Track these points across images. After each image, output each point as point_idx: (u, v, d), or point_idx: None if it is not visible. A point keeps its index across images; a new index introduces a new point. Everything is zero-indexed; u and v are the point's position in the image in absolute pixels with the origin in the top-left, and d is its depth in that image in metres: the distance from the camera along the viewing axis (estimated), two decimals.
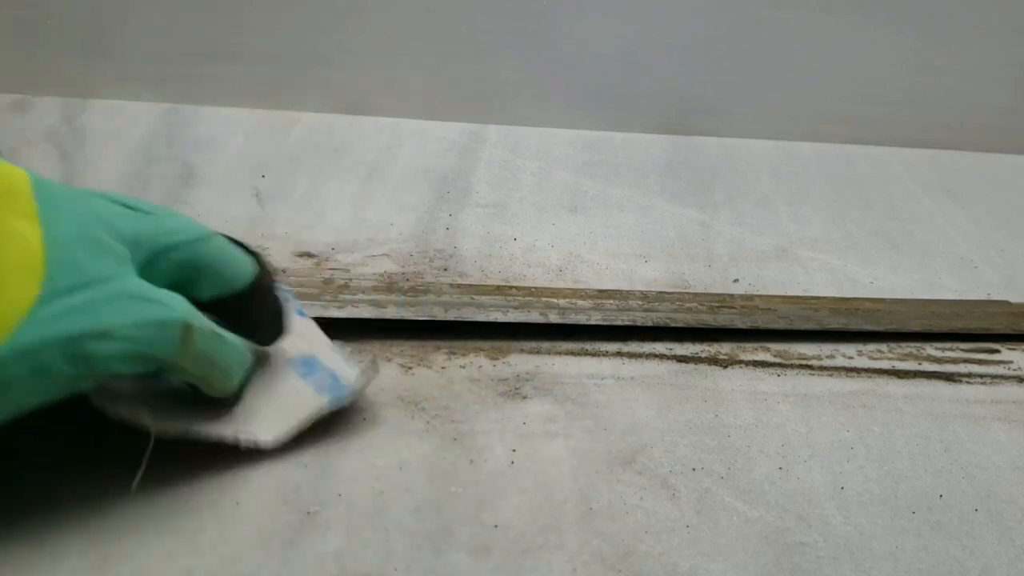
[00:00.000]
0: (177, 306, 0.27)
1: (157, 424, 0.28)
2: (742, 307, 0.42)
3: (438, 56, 0.59)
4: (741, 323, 0.41)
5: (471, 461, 0.32)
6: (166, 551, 0.28)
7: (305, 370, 0.33)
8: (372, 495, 0.30)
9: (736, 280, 0.46)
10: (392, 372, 0.36)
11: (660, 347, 0.40)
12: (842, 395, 0.38)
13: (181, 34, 0.56)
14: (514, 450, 0.33)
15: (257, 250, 0.32)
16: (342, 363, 0.34)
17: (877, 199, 0.56)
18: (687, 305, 0.42)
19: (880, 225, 0.53)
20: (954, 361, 0.41)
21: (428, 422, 0.34)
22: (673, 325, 0.40)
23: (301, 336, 0.34)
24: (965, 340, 0.42)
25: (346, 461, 0.32)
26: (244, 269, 0.30)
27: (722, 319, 0.41)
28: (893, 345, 0.41)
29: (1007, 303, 0.45)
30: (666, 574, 0.29)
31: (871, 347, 0.41)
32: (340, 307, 0.38)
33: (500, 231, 0.48)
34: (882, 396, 0.38)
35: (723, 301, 0.43)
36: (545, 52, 0.60)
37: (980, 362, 0.41)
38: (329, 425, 0.33)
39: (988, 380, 0.40)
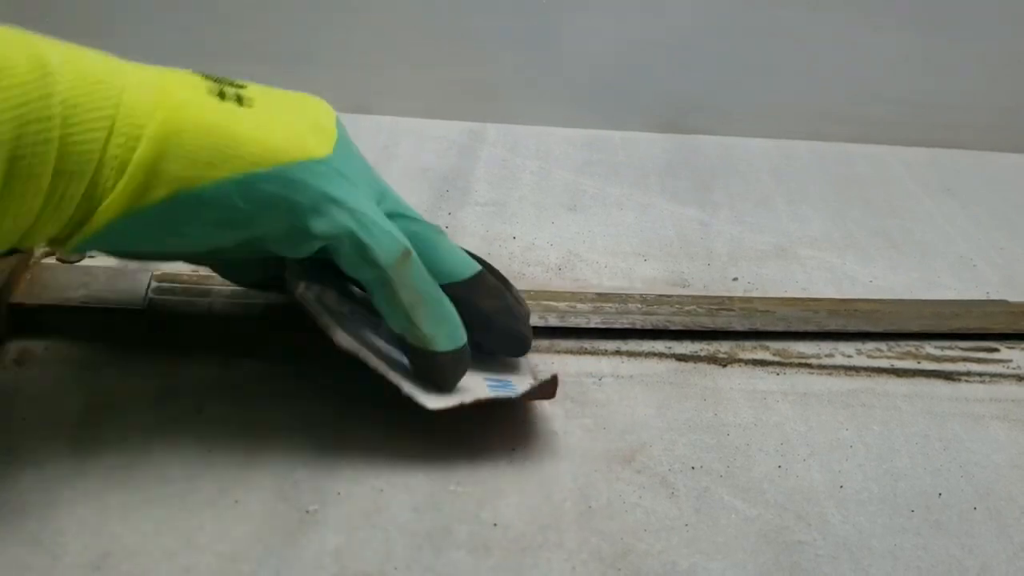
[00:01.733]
0: (403, 235, 0.30)
1: (339, 335, 0.30)
2: (741, 309, 0.42)
3: (437, 55, 0.59)
4: (740, 325, 0.41)
5: (470, 460, 0.32)
6: (165, 550, 0.28)
7: (496, 384, 0.33)
8: (372, 494, 0.30)
9: (735, 279, 0.46)
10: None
11: (659, 346, 0.40)
12: (841, 394, 0.38)
13: (179, 33, 0.56)
14: (513, 449, 0.33)
15: (515, 290, 0.35)
16: (528, 381, 0.34)
17: (877, 198, 0.56)
18: (686, 308, 0.42)
19: (880, 224, 0.53)
20: (953, 360, 0.41)
21: (428, 420, 0.34)
22: (672, 328, 0.40)
23: (516, 369, 0.35)
24: (964, 339, 0.42)
25: (345, 459, 0.32)
26: (465, 267, 0.32)
27: (721, 322, 0.41)
28: (892, 344, 0.41)
29: (1006, 302, 0.45)
30: (665, 572, 0.29)
31: (870, 346, 0.41)
32: None
33: (499, 230, 0.48)
34: (881, 395, 0.38)
35: (722, 304, 0.43)
36: (544, 50, 0.60)
37: (979, 361, 0.41)
38: (328, 424, 0.33)
39: (987, 379, 0.40)
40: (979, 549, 0.31)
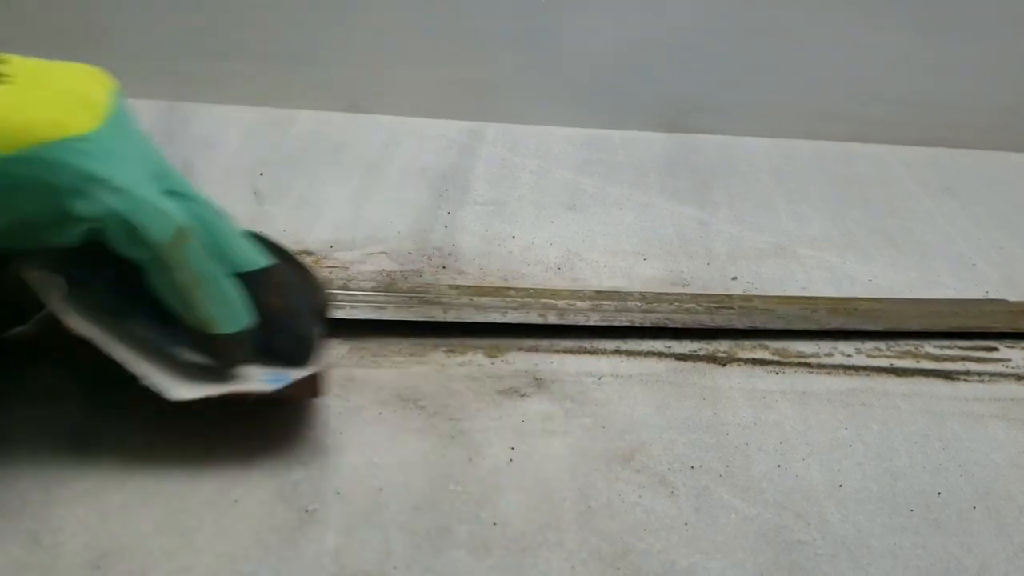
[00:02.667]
0: (180, 213, 0.28)
1: (72, 318, 0.28)
2: (741, 308, 0.42)
3: (437, 54, 0.59)
4: (739, 323, 0.41)
5: (470, 459, 0.32)
6: (164, 549, 0.28)
7: (274, 378, 0.32)
8: (371, 493, 0.30)
9: (735, 278, 0.46)
10: (391, 370, 0.36)
11: (659, 345, 0.40)
12: (840, 393, 0.38)
13: (180, 32, 0.56)
14: (513, 448, 0.33)
15: (315, 278, 0.34)
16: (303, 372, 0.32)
17: (876, 197, 0.56)
18: (685, 306, 0.42)
19: (879, 223, 0.53)
20: (952, 359, 0.41)
21: (427, 420, 0.34)
22: (671, 326, 0.40)
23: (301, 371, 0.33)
24: (963, 338, 0.42)
25: (345, 459, 0.32)
26: (247, 259, 0.31)
27: (721, 320, 0.41)
28: (891, 343, 0.41)
29: (1005, 302, 0.45)
30: (665, 572, 0.29)
31: (870, 345, 0.41)
32: (338, 307, 0.38)
33: (499, 229, 0.48)
34: (880, 394, 0.38)
35: (721, 302, 0.43)
36: (544, 50, 0.60)
37: (978, 360, 0.41)
38: (327, 423, 0.33)
39: (986, 378, 0.40)
40: (978, 548, 0.31)
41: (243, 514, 0.29)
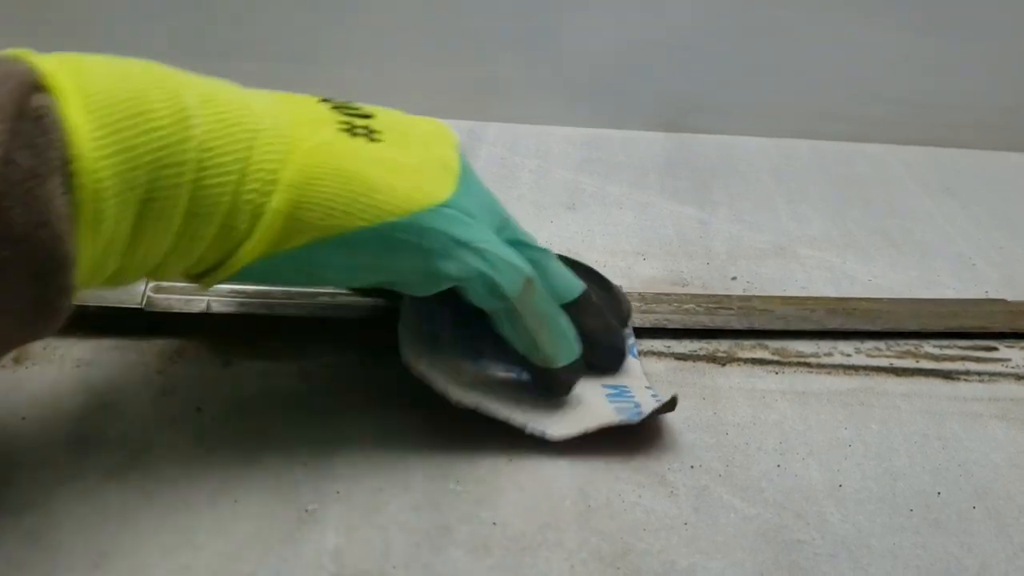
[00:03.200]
0: (525, 262, 0.31)
1: (453, 390, 0.32)
2: (740, 308, 0.42)
3: (436, 53, 0.59)
4: (739, 324, 0.41)
5: (470, 458, 0.32)
6: (164, 548, 0.28)
7: (614, 392, 0.34)
8: (370, 492, 0.30)
9: (734, 278, 0.46)
10: (390, 370, 0.36)
11: (658, 344, 0.40)
12: (840, 393, 0.38)
13: (178, 31, 0.56)
14: (512, 447, 0.33)
15: (616, 288, 0.37)
16: (648, 397, 0.34)
17: (876, 197, 0.56)
18: (685, 306, 0.42)
19: (879, 223, 0.53)
20: (952, 359, 0.41)
21: (427, 419, 0.34)
22: (670, 326, 0.40)
23: (626, 373, 0.36)
24: (963, 338, 0.42)
25: (344, 458, 0.32)
26: (572, 288, 0.34)
27: (720, 320, 0.41)
28: (891, 343, 0.41)
29: (1005, 301, 0.45)
30: (664, 572, 0.29)
31: (869, 345, 0.41)
32: (337, 308, 0.38)
33: None
34: (880, 394, 0.38)
35: (721, 302, 0.43)
36: (544, 49, 0.60)
37: (978, 360, 0.41)
38: (328, 423, 0.33)
39: (986, 378, 0.40)
40: (978, 548, 0.31)
41: (243, 514, 0.29)
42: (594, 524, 0.30)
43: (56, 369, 0.34)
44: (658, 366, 0.38)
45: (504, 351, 0.33)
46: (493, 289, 0.30)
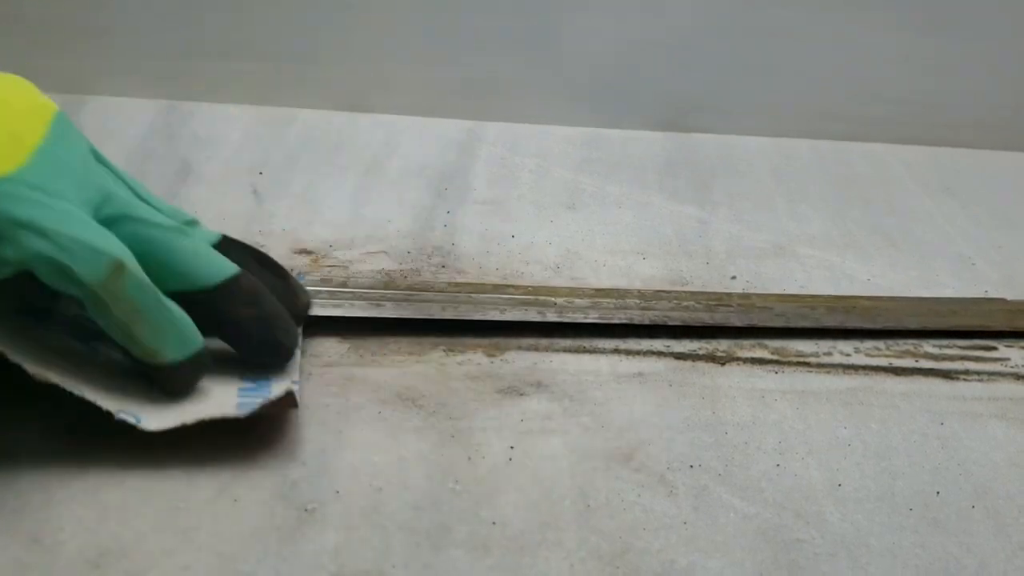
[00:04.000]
0: (117, 245, 0.28)
1: (33, 365, 0.28)
2: (739, 305, 0.42)
3: (436, 53, 0.59)
4: (738, 321, 0.41)
5: (469, 458, 0.32)
6: (163, 548, 0.28)
7: (251, 387, 0.32)
8: (370, 492, 0.31)
9: (734, 277, 0.46)
10: (390, 369, 0.36)
11: (658, 344, 0.40)
12: (839, 392, 0.38)
13: (179, 31, 0.56)
14: (512, 447, 0.33)
15: (293, 279, 0.34)
16: (280, 390, 0.31)
17: (876, 197, 0.56)
18: (684, 304, 0.42)
19: (878, 222, 0.53)
20: (951, 358, 0.41)
21: (426, 419, 0.34)
22: (670, 323, 0.40)
23: (287, 369, 0.33)
24: (962, 337, 0.42)
25: (344, 458, 0.32)
26: (209, 273, 0.31)
27: (719, 317, 0.41)
28: (890, 342, 0.41)
29: (1004, 301, 0.45)
30: (664, 571, 0.29)
31: (868, 344, 0.41)
32: (337, 305, 0.38)
33: (498, 228, 0.48)
34: (879, 393, 0.38)
35: (720, 299, 0.43)
36: (543, 49, 0.60)
37: (977, 359, 0.41)
38: (327, 422, 0.33)
39: (985, 377, 0.40)
40: (977, 547, 0.31)
41: (242, 513, 0.29)
42: (593, 523, 0.30)
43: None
44: (658, 365, 0.38)
45: None
46: (63, 274, 0.27)
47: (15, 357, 0.28)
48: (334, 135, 0.55)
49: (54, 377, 0.28)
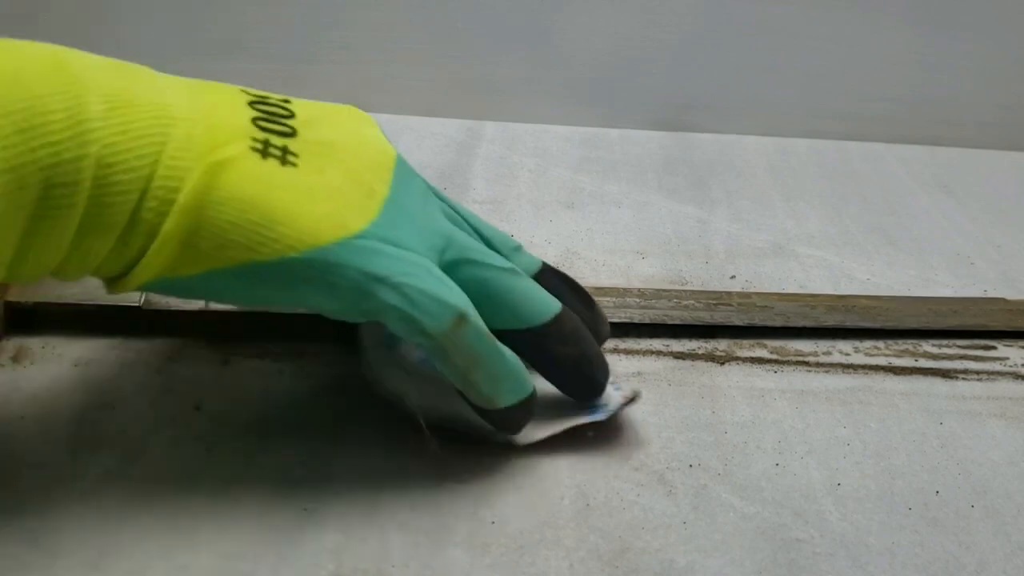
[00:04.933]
0: (460, 296, 0.28)
1: (420, 405, 0.31)
2: (739, 304, 0.42)
3: (435, 52, 0.59)
4: (738, 320, 0.41)
5: (468, 457, 0.32)
6: (163, 548, 0.28)
7: (592, 410, 0.33)
8: (370, 491, 0.31)
9: (733, 276, 0.46)
10: None
11: (657, 343, 0.40)
12: (839, 391, 0.38)
13: (178, 30, 0.56)
14: (511, 446, 0.33)
15: (597, 306, 0.35)
16: (613, 391, 0.33)
17: (874, 195, 0.56)
18: (683, 303, 0.42)
19: (877, 221, 0.53)
20: (950, 358, 0.41)
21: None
22: (670, 322, 0.40)
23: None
24: (962, 337, 0.42)
25: (343, 458, 0.32)
26: (538, 312, 0.31)
27: (719, 316, 0.41)
28: (890, 342, 0.42)
29: (1004, 300, 0.45)
30: (663, 570, 0.29)
31: (868, 344, 0.41)
32: None
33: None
34: (879, 392, 0.38)
35: (720, 299, 0.43)
36: (542, 48, 0.60)
37: (976, 359, 0.41)
38: (327, 422, 0.33)
39: (984, 376, 0.40)
40: (976, 546, 0.31)
41: (242, 512, 0.29)
42: (593, 522, 0.30)
43: (55, 368, 0.34)
44: (657, 364, 0.38)
45: None
46: (413, 326, 0.27)
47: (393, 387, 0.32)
48: None
49: (438, 413, 0.31)
